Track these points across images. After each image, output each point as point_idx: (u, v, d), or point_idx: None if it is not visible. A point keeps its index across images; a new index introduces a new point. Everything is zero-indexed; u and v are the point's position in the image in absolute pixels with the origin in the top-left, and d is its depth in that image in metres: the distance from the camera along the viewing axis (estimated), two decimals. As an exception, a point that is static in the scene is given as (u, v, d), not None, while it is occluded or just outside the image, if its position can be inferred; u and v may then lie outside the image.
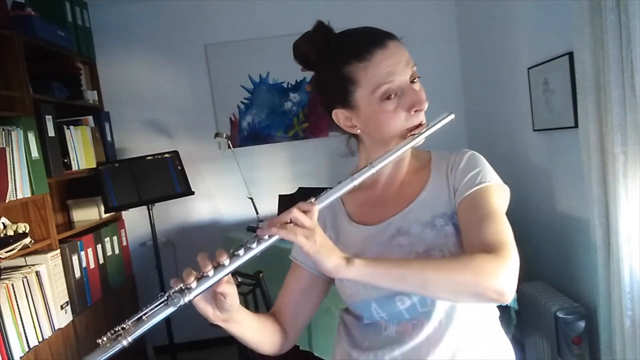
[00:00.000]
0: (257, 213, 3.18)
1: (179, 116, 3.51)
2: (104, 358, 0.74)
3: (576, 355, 2.15)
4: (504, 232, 0.84)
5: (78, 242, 2.61)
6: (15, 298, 2.03)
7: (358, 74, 0.89)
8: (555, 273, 2.58)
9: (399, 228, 0.94)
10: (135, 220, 3.38)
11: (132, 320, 0.76)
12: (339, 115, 0.96)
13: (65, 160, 2.66)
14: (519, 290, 2.32)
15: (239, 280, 1.89)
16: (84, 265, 2.62)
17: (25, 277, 2.11)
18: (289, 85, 3.45)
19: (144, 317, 0.77)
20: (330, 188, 0.85)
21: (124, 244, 3.20)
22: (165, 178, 3.01)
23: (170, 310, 0.77)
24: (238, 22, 3.44)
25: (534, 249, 2.78)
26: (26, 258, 2.24)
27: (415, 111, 0.90)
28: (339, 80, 0.91)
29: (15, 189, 2.12)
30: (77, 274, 2.55)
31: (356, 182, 0.85)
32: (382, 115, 0.90)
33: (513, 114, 2.85)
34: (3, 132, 2.11)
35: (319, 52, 0.94)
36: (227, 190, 3.50)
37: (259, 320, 0.94)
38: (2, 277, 2.06)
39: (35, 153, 2.28)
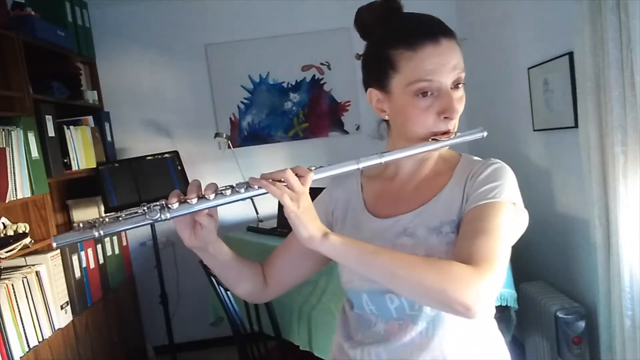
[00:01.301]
0: (257, 213, 3.18)
1: (179, 116, 3.51)
2: (73, 240, 0.78)
3: (576, 355, 2.15)
4: (495, 250, 0.79)
5: (78, 242, 2.60)
6: (15, 298, 2.03)
7: (401, 61, 0.86)
8: (555, 273, 2.58)
9: (406, 228, 0.92)
10: (135, 220, 3.38)
11: (110, 217, 0.79)
12: (372, 95, 0.93)
13: (65, 160, 2.66)
14: (519, 290, 2.32)
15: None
16: (84, 265, 2.62)
17: (25, 277, 2.11)
18: (289, 85, 3.45)
19: (120, 218, 0.79)
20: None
21: (124, 244, 3.20)
22: (165, 178, 3.01)
23: (146, 221, 0.79)
24: (238, 22, 3.43)
25: (534, 249, 2.78)
26: (26, 258, 2.24)
27: (445, 117, 0.87)
28: (381, 61, 0.88)
29: (15, 189, 2.12)
30: (77, 274, 2.55)
31: (360, 165, 0.84)
32: (412, 109, 0.87)
33: (513, 114, 2.85)
34: (3, 132, 2.11)
35: (377, 24, 0.91)
36: (227, 190, 3.49)
37: (237, 261, 0.96)
38: (2, 277, 2.06)
39: (35, 153, 2.28)
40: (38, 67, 2.57)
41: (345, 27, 3.37)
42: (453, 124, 0.89)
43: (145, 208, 0.79)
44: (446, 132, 0.88)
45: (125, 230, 0.80)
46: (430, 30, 0.87)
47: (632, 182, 1.74)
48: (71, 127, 2.74)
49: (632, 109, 1.68)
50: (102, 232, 0.77)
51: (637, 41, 1.59)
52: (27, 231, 2.24)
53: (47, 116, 2.47)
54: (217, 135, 3.24)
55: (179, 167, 3.06)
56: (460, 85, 0.88)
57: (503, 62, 2.90)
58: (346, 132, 3.46)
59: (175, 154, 3.09)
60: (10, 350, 1.95)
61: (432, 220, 0.90)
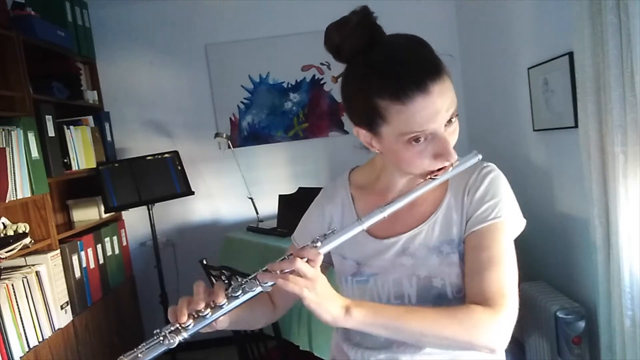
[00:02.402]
0: (257, 213, 3.18)
1: (179, 116, 3.51)
2: None
3: (576, 355, 2.15)
4: (505, 280, 0.84)
5: (78, 242, 2.61)
6: (15, 298, 2.03)
7: (390, 112, 0.80)
8: (555, 273, 2.58)
9: (405, 248, 0.93)
10: (135, 220, 3.38)
11: (129, 357, 0.77)
12: (360, 133, 0.89)
13: (65, 160, 2.66)
14: (519, 290, 2.32)
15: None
16: (84, 265, 2.62)
17: (25, 277, 2.11)
18: (289, 85, 3.45)
19: (139, 354, 0.78)
20: (335, 231, 0.84)
21: (124, 244, 3.20)
22: (165, 178, 3.01)
23: (164, 348, 0.78)
24: (238, 22, 3.43)
25: (534, 249, 2.78)
26: (26, 258, 2.24)
27: (442, 160, 0.85)
28: (368, 108, 0.82)
29: (15, 189, 2.12)
30: (77, 274, 2.55)
31: (364, 226, 0.83)
32: (405, 154, 0.84)
33: (513, 114, 2.85)
34: (3, 132, 2.11)
35: (355, 51, 0.84)
36: (227, 190, 3.49)
37: (248, 311, 0.94)
38: (2, 277, 2.06)
39: (35, 153, 2.28)
40: (38, 67, 2.57)
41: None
42: (450, 159, 0.85)
43: (161, 337, 0.78)
44: (443, 167, 0.86)
45: None
46: (418, 78, 0.78)
47: (632, 182, 1.74)
48: (71, 127, 2.74)
49: (632, 109, 1.68)
50: None
51: (637, 41, 1.59)
52: (27, 231, 2.24)
53: (47, 116, 2.47)
54: (217, 135, 3.24)
55: (179, 167, 3.06)
56: (453, 120, 0.83)
57: (503, 62, 2.90)
58: (346, 132, 3.46)
59: (175, 154, 3.09)
60: (10, 350, 1.95)
61: (431, 240, 0.91)
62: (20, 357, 2.00)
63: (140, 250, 3.43)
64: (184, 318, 0.79)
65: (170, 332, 0.78)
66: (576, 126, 2.12)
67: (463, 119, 3.58)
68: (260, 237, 2.83)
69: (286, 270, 0.78)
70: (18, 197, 2.14)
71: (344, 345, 0.99)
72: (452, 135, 0.84)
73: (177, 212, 3.48)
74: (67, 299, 2.39)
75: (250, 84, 3.46)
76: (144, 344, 0.79)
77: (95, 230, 2.87)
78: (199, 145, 3.48)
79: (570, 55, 2.12)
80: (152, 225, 3.06)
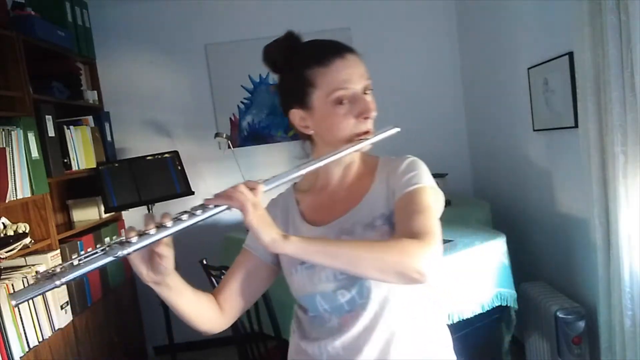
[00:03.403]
0: (257, 213, 3.18)
1: (179, 116, 3.51)
2: (33, 295, 0.75)
3: (576, 355, 2.15)
4: (432, 225, 0.91)
5: (78, 242, 2.61)
6: (15, 298, 2.03)
7: (317, 77, 0.97)
8: (556, 273, 2.58)
9: (343, 229, 1.01)
10: (135, 220, 3.37)
11: (66, 264, 0.78)
12: (295, 115, 1.03)
13: (65, 160, 2.66)
14: (519, 290, 2.32)
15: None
16: (84, 265, 2.62)
17: (25, 277, 2.11)
18: (289, 85, 3.45)
19: (79, 262, 0.78)
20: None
21: (124, 244, 3.20)
22: (165, 178, 3.01)
23: (107, 259, 0.78)
24: (238, 22, 3.44)
25: (534, 249, 2.78)
26: (26, 258, 2.24)
27: (364, 118, 0.98)
28: (300, 82, 0.99)
29: (15, 189, 2.12)
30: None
31: (302, 172, 0.93)
32: (333, 117, 0.97)
33: (513, 114, 2.85)
34: (3, 132, 2.11)
35: (286, 57, 1.02)
36: (227, 190, 3.49)
37: (194, 293, 0.98)
38: (2, 277, 2.06)
39: (35, 153, 2.28)
40: (38, 67, 2.57)
41: (346, 27, 3.37)
42: (371, 124, 0.99)
43: (106, 247, 0.79)
44: (366, 132, 0.99)
45: (87, 272, 0.78)
46: (336, 48, 0.99)
47: (632, 182, 1.74)
48: (71, 127, 2.74)
49: (632, 109, 1.68)
50: (63, 280, 0.76)
51: (637, 41, 1.59)
52: (27, 231, 2.24)
53: (47, 116, 2.47)
54: (217, 135, 3.24)
55: (179, 167, 3.06)
56: (368, 92, 0.99)
57: (503, 62, 2.90)
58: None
59: (175, 154, 3.09)
60: (10, 350, 1.95)
61: (365, 218, 1.01)
62: (20, 357, 2.00)
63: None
64: (132, 233, 0.81)
65: (114, 243, 0.79)
66: (576, 126, 2.12)
67: (463, 119, 3.59)
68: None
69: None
70: (18, 197, 2.14)
71: (302, 343, 1.05)
72: (369, 102, 0.99)
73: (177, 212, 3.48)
74: (67, 299, 2.39)
75: (250, 84, 3.46)
76: (87, 252, 0.79)
77: (95, 230, 2.87)
78: (199, 145, 3.49)
79: (570, 55, 2.12)
80: (152, 225, 3.05)
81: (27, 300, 0.76)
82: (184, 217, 0.83)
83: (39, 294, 0.76)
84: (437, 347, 1.03)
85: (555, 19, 2.27)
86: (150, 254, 0.87)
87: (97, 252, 0.79)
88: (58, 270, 0.77)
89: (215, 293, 1.05)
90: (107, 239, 2.94)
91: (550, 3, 2.29)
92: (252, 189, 0.88)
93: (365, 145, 0.99)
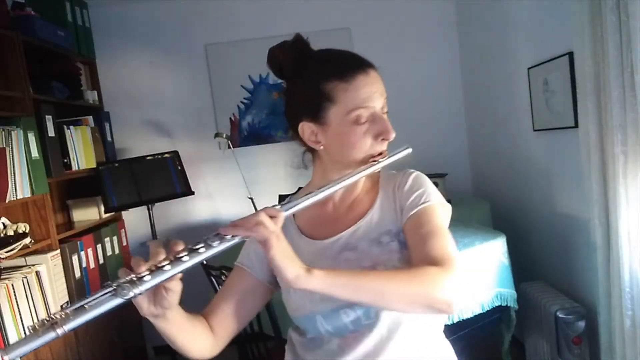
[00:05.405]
0: (257, 213, 3.18)
1: (179, 116, 3.51)
2: (31, 348, 0.66)
3: (576, 355, 2.15)
4: (448, 247, 0.88)
5: (78, 242, 2.61)
6: (15, 298, 2.03)
7: (337, 92, 0.92)
8: (555, 273, 2.58)
9: (347, 244, 0.97)
10: (135, 220, 3.38)
11: (72, 308, 0.68)
12: (305, 128, 0.96)
13: (65, 160, 2.66)
14: (519, 290, 2.32)
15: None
16: (84, 265, 2.62)
17: (25, 277, 2.11)
18: (289, 85, 3.45)
19: (86, 306, 0.69)
20: (293, 198, 0.87)
21: (124, 244, 3.20)
22: (165, 178, 3.01)
23: (116, 301, 0.70)
24: (238, 22, 3.43)
25: (534, 249, 2.78)
26: (26, 258, 2.24)
27: (382, 140, 0.94)
28: (316, 95, 0.93)
29: (15, 189, 2.12)
30: (77, 274, 2.55)
31: (320, 197, 0.87)
32: (350, 136, 0.93)
33: (513, 114, 2.85)
34: (3, 132, 2.11)
35: (295, 62, 0.97)
36: (227, 190, 3.49)
37: (189, 320, 0.90)
38: (2, 277, 2.06)
39: (35, 153, 2.28)
40: (38, 67, 2.57)
41: (345, 27, 3.37)
42: (386, 145, 0.95)
43: (115, 286, 0.70)
44: (380, 154, 0.95)
45: (92, 318, 0.69)
46: (359, 62, 0.94)
47: (632, 182, 1.74)
48: (71, 127, 2.74)
49: (632, 109, 1.68)
50: (65, 329, 0.67)
51: (637, 41, 1.59)
52: (27, 231, 2.24)
53: (47, 116, 2.47)
54: (217, 135, 3.24)
55: (179, 167, 3.06)
56: (385, 112, 0.95)
57: (503, 62, 2.90)
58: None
59: (175, 154, 3.09)
60: (10, 350, 1.95)
61: (370, 233, 0.97)
62: (20, 357, 1.99)
63: (140, 251, 3.42)
64: (142, 269, 0.72)
65: (124, 283, 0.70)
66: (576, 126, 2.12)
67: (463, 119, 3.59)
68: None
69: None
70: (18, 197, 2.14)
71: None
72: (388, 122, 0.95)
73: (177, 212, 3.48)
74: (67, 299, 2.39)
75: (250, 84, 3.46)
76: (94, 294, 0.70)
77: (95, 230, 2.87)
78: (199, 145, 3.48)
79: (570, 55, 2.12)
80: (152, 225, 3.05)
81: (21, 357, 0.66)
82: (201, 249, 0.74)
83: (37, 347, 0.66)
84: None
85: (555, 19, 2.27)
86: (156, 288, 0.77)
87: (105, 294, 0.70)
88: (59, 317, 0.67)
89: (207, 315, 0.97)
90: (107, 239, 2.94)
91: (550, 3, 2.29)
92: (272, 216, 0.79)
93: (380, 167, 0.94)
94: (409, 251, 0.92)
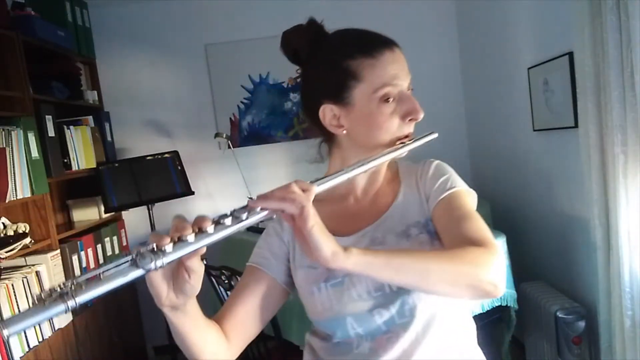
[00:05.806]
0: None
1: (179, 116, 3.51)
2: (35, 321, 0.56)
3: (576, 355, 2.15)
4: (485, 229, 0.83)
5: (78, 242, 2.61)
6: (15, 298, 2.03)
7: (363, 69, 0.86)
8: (555, 273, 2.58)
9: (374, 238, 0.90)
10: (135, 220, 3.38)
11: (85, 277, 0.59)
12: (327, 112, 0.89)
13: (65, 160, 2.66)
14: (519, 290, 2.32)
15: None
16: (84, 265, 2.62)
17: (25, 277, 2.11)
18: (289, 85, 3.45)
19: (100, 276, 0.60)
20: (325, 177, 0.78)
21: (124, 244, 3.20)
22: (165, 178, 3.01)
23: (136, 273, 0.61)
24: (238, 22, 3.43)
25: (534, 249, 2.78)
26: (26, 258, 2.24)
27: (410, 120, 0.88)
28: (338, 73, 0.87)
29: (15, 189, 2.12)
30: (77, 274, 2.55)
31: (353, 173, 0.78)
32: (378, 116, 0.86)
33: (513, 114, 2.85)
34: (3, 132, 2.11)
35: (311, 45, 0.92)
36: (227, 190, 3.49)
37: (206, 322, 0.82)
38: (2, 277, 2.06)
39: (35, 153, 2.28)
40: (38, 67, 2.57)
41: (345, 27, 3.37)
42: (413, 127, 0.90)
43: (133, 255, 0.61)
44: (407, 136, 0.89)
45: (107, 292, 0.59)
46: (383, 39, 0.90)
47: (632, 182, 1.74)
48: (71, 127, 2.74)
49: (632, 109, 1.68)
50: (76, 302, 0.57)
51: (637, 41, 1.60)
52: (27, 231, 2.24)
53: (47, 116, 2.47)
54: (217, 135, 3.24)
55: (179, 167, 3.06)
56: (410, 91, 0.90)
57: (503, 62, 2.90)
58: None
59: (175, 154, 3.09)
60: (10, 350, 1.95)
61: (397, 226, 0.91)
62: (20, 357, 2.00)
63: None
64: (165, 240, 0.62)
65: (145, 252, 0.61)
66: (576, 126, 2.12)
67: (463, 119, 3.59)
68: (260, 237, 2.83)
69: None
70: (18, 197, 2.14)
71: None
72: (416, 102, 0.90)
73: (177, 212, 3.44)
74: (67, 299, 2.39)
75: (250, 84, 3.46)
76: (113, 263, 0.62)
77: (95, 230, 2.87)
78: (199, 145, 3.48)
79: (570, 55, 2.12)
80: (152, 226, 3.05)
81: (24, 330, 0.56)
82: (227, 221, 0.66)
83: (42, 321, 0.56)
84: None
85: (555, 19, 2.27)
86: (176, 269, 0.69)
87: (123, 263, 0.61)
88: (69, 286, 0.57)
89: (219, 320, 0.88)
90: (107, 239, 2.94)
91: (550, 3, 2.29)
92: (304, 190, 0.71)
93: (406, 150, 0.87)
94: (442, 237, 0.87)
